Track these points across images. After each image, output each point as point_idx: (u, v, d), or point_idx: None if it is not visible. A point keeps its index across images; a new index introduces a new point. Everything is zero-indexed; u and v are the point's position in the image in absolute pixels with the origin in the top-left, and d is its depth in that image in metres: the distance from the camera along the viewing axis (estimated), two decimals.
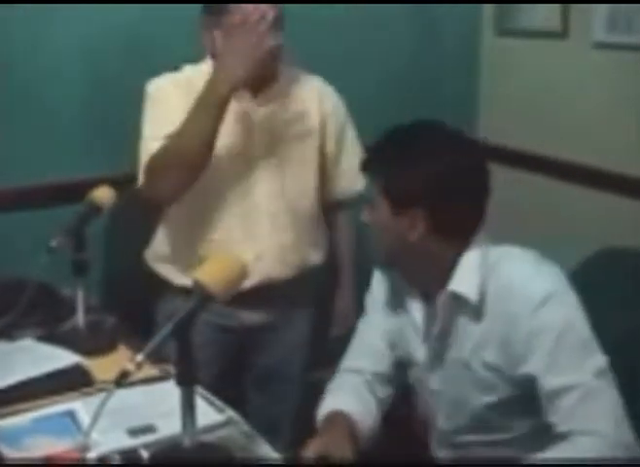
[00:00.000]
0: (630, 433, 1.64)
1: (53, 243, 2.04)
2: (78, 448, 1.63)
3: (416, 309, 1.81)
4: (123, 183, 2.34)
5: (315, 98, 2.41)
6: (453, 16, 3.32)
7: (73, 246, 2.09)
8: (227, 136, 2.27)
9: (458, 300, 1.71)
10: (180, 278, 2.33)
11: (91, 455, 1.62)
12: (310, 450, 1.65)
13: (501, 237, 3.39)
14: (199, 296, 1.47)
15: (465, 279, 1.70)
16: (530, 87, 3.31)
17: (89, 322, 2.16)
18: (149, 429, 1.72)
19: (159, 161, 2.16)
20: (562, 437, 1.63)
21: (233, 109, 2.28)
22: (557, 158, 3.20)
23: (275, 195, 2.32)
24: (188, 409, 1.55)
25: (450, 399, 1.82)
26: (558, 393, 1.63)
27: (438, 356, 1.80)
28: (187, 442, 1.57)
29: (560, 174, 3.21)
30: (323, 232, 2.49)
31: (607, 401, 1.63)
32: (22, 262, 2.09)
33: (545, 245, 3.19)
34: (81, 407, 1.81)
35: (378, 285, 1.93)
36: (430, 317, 1.79)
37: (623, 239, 2.93)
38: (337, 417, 1.81)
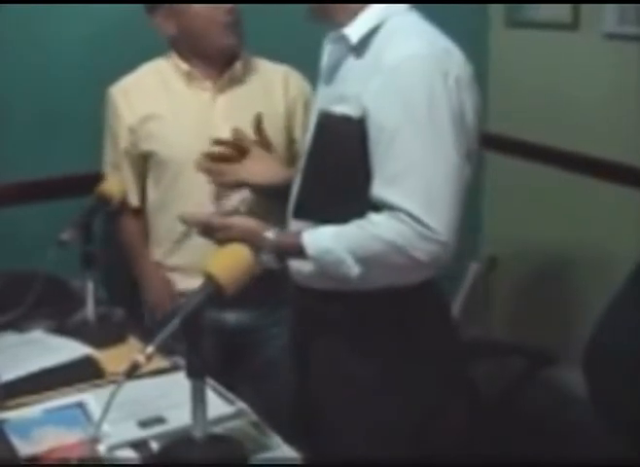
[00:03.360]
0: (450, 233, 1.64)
1: (64, 236, 2.03)
2: (88, 439, 1.63)
3: (326, 53, 1.89)
4: None
5: (280, 82, 2.41)
6: (462, 7, 3.32)
7: (82, 239, 2.09)
8: (189, 130, 2.29)
9: (343, 39, 1.79)
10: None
11: (102, 447, 1.62)
12: None
13: (504, 224, 3.39)
14: (209, 288, 1.47)
15: (358, 22, 1.77)
16: (541, 78, 3.29)
17: (99, 314, 2.16)
18: (159, 421, 1.72)
19: None
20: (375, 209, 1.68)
21: (193, 100, 2.32)
22: (568, 149, 3.19)
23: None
24: (198, 401, 1.55)
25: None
26: (379, 140, 1.68)
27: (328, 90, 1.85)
28: (197, 433, 1.56)
29: (571, 165, 3.20)
30: None
31: (433, 180, 1.64)
32: (31, 254, 2.09)
33: (546, 233, 3.25)
34: (91, 398, 1.81)
35: None
36: None
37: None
38: None
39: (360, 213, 1.70)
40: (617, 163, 3.01)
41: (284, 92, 2.41)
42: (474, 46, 3.35)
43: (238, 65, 2.35)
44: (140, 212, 2.44)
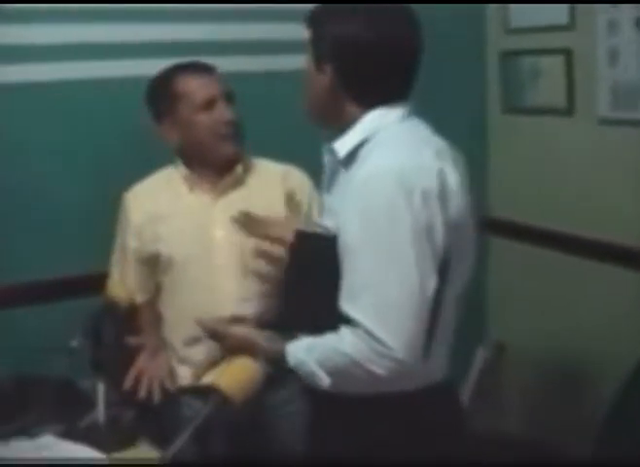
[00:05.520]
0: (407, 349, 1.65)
1: (73, 343, 2.06)
2: None
3: (325, 164, 1.95)
4: None
5: (279, 181, 2.46)
6: (461, 96, 3.39)
7: (92, 345, 2.11)
8: (190, 231, 2.37)
9: (333, 152, 1.84)
10: None
11: None
12: None
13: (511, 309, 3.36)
14: (218, 401, 1.49)
15: (347, 136, 1.82)
16: (539, 162, 3.35)
17: (109, 417, 2.16)
18: None
19: None
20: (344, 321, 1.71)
21: (195, 203, 2.39)
22: (569, 232, 3.22)
23: (239, 287, 2.37)
24: None
25: None
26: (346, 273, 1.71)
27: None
28: None
29: (570, 248, 3.22)
30: None
31: (389, 297, 1.66)
32: (41, 355, 2.11)
33: (554, 317, 3.25)
34: None
35: None
36: None
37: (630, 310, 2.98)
38: None
39: (336, 325, 1.74)
40: (618, 245, 3.04)
41: (282, 191, 2.45)
42: (472, 132, 3.44)
43: (239, 169, 2.41)
44: (152, 303, 2.48)
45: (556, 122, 3.23)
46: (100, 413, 2.15)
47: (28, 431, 2.15)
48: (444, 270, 1.73)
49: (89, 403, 2.20)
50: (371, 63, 1.79)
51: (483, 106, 3.53)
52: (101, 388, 2.14)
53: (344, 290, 1.72)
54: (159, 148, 2.47)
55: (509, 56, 3.40)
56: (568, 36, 3.14)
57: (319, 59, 1.83)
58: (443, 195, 1.72)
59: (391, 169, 1.70)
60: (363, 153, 1.80)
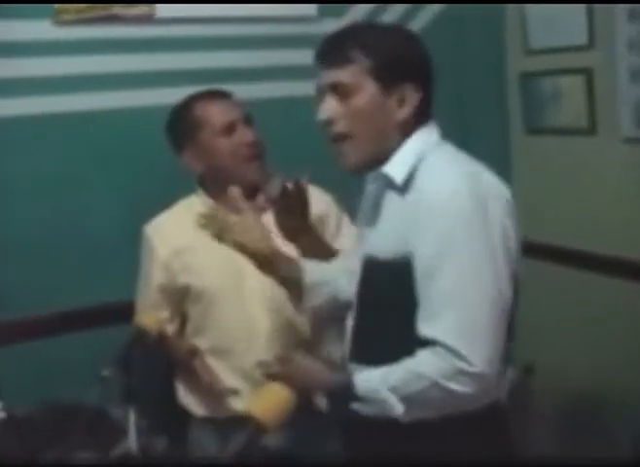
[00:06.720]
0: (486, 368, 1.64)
1: (105, 372, 2.07)
2: None
3: (368, 196, 1.94)
4: None
5: None
6: (482, 116, 3.43)
7: (122, 373, 2.12)
8: (218, 261, 2.37)
9: (384, 178, 1.83)
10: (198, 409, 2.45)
11: None
12: None
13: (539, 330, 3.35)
14: (253, 429, 1.50)
15: (397, 161, 1.81)
16: (562, 183, 3.36)
17: (142, 446, 2.18)
18: None
19: None
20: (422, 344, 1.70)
21: None
22: (591, 251, 3.22)
23: (272, 309, 2.38)
24: None
25: None
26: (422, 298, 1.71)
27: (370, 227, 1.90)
28: None
29: (596, 268, 3.21)
30: None
31: (473, 314, 1.66)
32: (71, 384, 2.13)
33: (584, 338, 3.24)
34: None
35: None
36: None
37: None
38: None
39: (411, 351, 1.73)
40: None
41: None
42: (495, 154, 3.42)
43: (261, 197, 2.41)
44: (180, 332, 2.50)
45: (580, 141, 3.24)
46: (132, 441, 2.16)
47: (61, 460, 2.17)
48: (515, 282, 1.75)
49: (121, 431, 2.21)
50: (429, 81, 1.84)
51: (506, 128, 3.55)
52: (132, 416, 2.15)
53: (422, 312, 1.71)
54: (185, 176, 2.49)
55: (529, 78, 3.42)
56: (588, 55, 3.15)
57: (391, 84, 1.79)
58: (509, 204, 1.76)
59: (460, 188, 1.71)
60: (420, 175, 1.78)
